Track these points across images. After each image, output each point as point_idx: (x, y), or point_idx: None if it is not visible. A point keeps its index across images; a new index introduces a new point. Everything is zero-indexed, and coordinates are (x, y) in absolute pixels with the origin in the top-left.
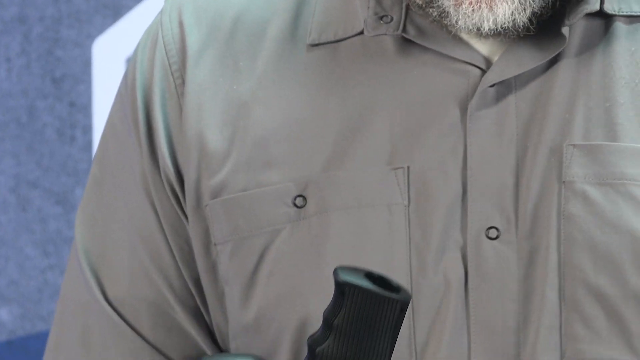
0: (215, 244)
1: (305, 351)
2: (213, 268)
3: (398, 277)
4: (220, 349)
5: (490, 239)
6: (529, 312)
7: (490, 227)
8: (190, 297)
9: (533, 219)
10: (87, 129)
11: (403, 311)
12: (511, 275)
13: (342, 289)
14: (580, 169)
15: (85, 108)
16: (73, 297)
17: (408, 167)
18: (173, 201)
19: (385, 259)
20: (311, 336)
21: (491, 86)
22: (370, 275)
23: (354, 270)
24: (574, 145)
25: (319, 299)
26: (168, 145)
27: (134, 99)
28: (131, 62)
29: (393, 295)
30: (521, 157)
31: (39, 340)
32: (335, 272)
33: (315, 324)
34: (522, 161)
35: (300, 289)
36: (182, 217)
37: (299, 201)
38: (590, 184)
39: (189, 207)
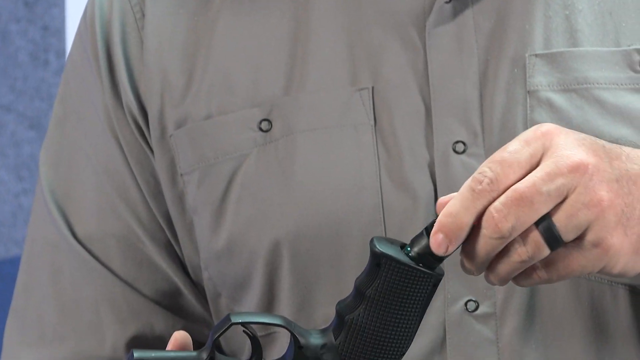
0: (181, 175)
1: (280, 277)
2: (181, 199)
3: (368, 196)
4: (192, 281)
5: (458, 153)
6: None
7: (457, 142)
8: (160, 231)
9: (499, 130)
10: (61, 53)
11: (435, 286)
12: None
13: (379, 261)
14: (544, 77)
15: (58, 32)
16: (41, 237)
17: (372, 88)
18: (137, 135)
19: (355, 179)
20: (341, 301)
21: (447, 2)
22: (403, 247)
23: (390, 241)
24: (536, 55)
25: (289, 221)
26: (130, 79)
27: (94, 35)
28: None
29: (428, 270)
30: (483, 70)
31: (13, 265)
32: (371, 242)
33: (287, 245)
34: (484, 75)
35: (270, 212)
36: (147, 150)
37: (264, 125)
38: (554, 92)
39: (153, 139)
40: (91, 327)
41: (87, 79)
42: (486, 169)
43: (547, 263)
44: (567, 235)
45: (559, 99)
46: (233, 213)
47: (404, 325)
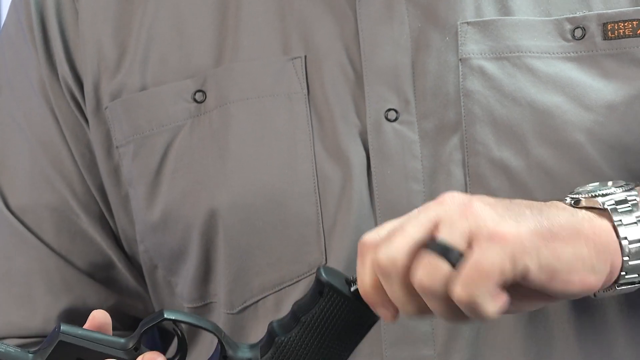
0: (117, 147)
1: (216, 247)
2: (116, 171)
3: (302, 165)
4: (126, 254)
5: (390, 120)
6: (435, 190)
7: (389, 109)
8: (94, 203)
9: (432, 97)
10: None
11: (371, 326)
12: (413, 155)
13: (322, 289)
14: (476, 45)
15: None
16: None
17: (305, 57)
18: (73, 106)
19: (289, 148)
20: (276, 321)
21: None
22: (348, 281)
23: (336, 273)
24: (468, 23)
25: (224, 192)
26: (65, 51)
27: (28, 6)
28: None
29: (368, 309)
30: (415, 38)
31: None
32: (318, 270)
33: (223, 216)
34: (416, 42)
35: (206, 183)
36: (83, 122)
37: (198, 96)
38: (486, 59)
39: (88, 111)
40: (22, 298)
41: (21, 50)
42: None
43: (459, 278)
44: (456, 241)
45: (491, 66)
46: (168, 185)
47: (332, 357)
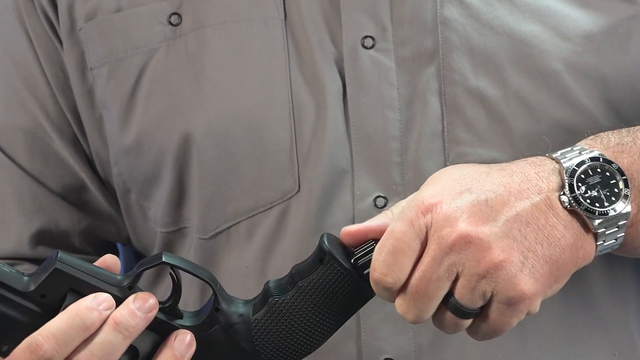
0: (91, 69)
1: (190, 172)
2: (90, 93)
3: (278, 91)
4: (99, 177)
5: (366, 48)
6: (411, 119)
7: (366, 37)
8: (67, 125)
9: (409, 25)
10: None
11: (366, 300)
12: (390, 83)
13: (322, 257)
14: None
15: None
16: None
17: None
18: (47, 27)
19: (265, 73)
20: (274, 280)
21: None
22: (350, 254)
23: (339, 242)
24: None
25: (199, 116)
26: None
27: None
28: None
29: (366, 283)
30: None
31: None
32: (322, 237)
33: (197, 140)
34: None
35: (181, 107)
36: (57, 44)
37: (174, 19)
38: None
39: (63, 32)
40: None
41: None
42: (379, 266)
43: (477, 330)
44: (475, 304)
45: None
46: (143, 108)
47: (322, 326)
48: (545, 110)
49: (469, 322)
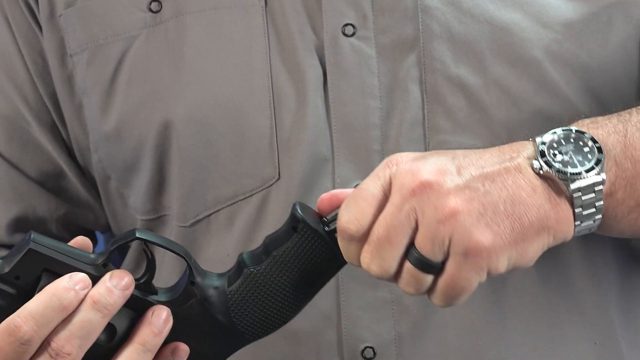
0: (71, 55)
1: (170, 159)
2: (70, 80)
3: (258, 78)
4: (77, 164)
5: (347, 36)
6: (391, 107)
7: (346, 24)
8: (46, 112)
9: (389, 13)
10: None
11: (339, 268)
12: (370, 71)
13: (296, 225)
14: None
15: None
16: None
17: None
18: (27, 13)
19: (245, 61)
20: (247, 252)
21: None
22: (322, 222)
23: (310, 210)
24: None
25: (179, 103)
26: None
27: None
28: None
29: (339, 249)
30: None
31: None
32: (294, 206)
33: (177, 127)
34: None
35: (160, 94)
36: (36, 30)
37: (154, 6)
38: None
39: (42, 18)
40: None
41: None
42: (343, 215)
43: (437, 289)
44: (436, 255)
45: None
46: (123, 94)
47: (298, 295)
48: (525, 98)
49: (430, 278)
